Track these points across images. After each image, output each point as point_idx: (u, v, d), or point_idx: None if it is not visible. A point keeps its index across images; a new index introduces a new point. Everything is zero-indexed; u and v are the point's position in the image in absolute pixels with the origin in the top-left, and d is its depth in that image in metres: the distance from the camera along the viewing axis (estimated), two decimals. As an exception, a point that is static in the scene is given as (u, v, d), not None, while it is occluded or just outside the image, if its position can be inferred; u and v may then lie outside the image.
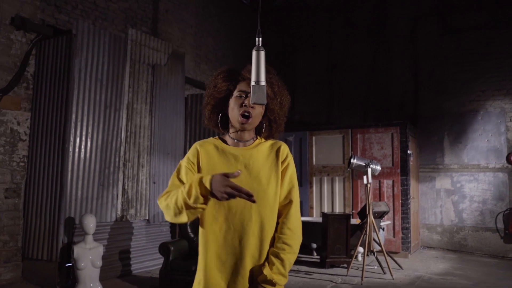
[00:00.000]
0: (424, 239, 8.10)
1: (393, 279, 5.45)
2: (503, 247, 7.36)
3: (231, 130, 1.77)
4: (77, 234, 4.87)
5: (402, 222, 7.02)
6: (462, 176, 7.84)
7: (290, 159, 1.76)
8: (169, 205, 1.58)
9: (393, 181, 7.16)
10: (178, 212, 1.55)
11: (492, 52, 7.73)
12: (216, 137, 1.82)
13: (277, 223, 1.70)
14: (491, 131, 7.67)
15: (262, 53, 1.66)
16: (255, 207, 1.63)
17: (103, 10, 6.32)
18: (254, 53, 1.65)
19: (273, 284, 1.60)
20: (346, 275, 5.62)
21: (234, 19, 9.37)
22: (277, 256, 1.63)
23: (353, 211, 7.31)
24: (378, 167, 5.71)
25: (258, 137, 1.80)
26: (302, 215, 7.79)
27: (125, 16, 6.68)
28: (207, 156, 1.71)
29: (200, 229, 1.69)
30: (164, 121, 6.27)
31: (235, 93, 1.73)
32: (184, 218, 1.55)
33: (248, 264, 1.62)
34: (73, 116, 5.00)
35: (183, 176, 1.69)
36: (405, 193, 7.05)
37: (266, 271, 1.60)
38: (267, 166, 1.71)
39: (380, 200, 7.14)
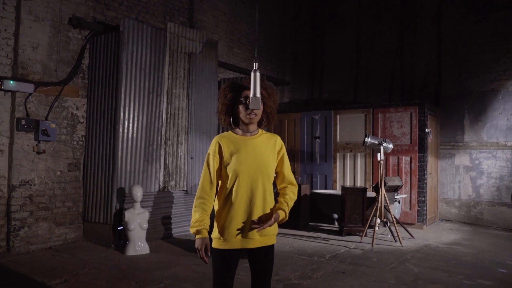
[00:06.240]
0: (442, 213, 8.60)
1: (402, 246, 6.10)
2: (517, 221, 7.77)
3: (241, 125, 2.48)
4: (127, 202, 5.80)
5: (418, 196, 7.57)
6: (481, 153, 8.22)
7: (283, 147, 2.54)
8: (192, 213, 2.40)
9: (410, 158, 7.67)
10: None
11: (515, 33, 7.95)
12: (229, 131, 2.53)
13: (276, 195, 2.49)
14: (511, 110, 7.96)
15: (258, 74, 2.35)
16: (260, 179, 2.37)
17: (145, 4, 7.08)
18: (252, 74, 2.35)
19: (282, 215, 2.40)
20: (360, 242, 6.31)
21: (266, 2, 9.91)
22: (285, 199, 2.44)
23: (372, 185, 7.92)
24: (390, 145, 6.28)
25: (260, 130, 2.52)
26: (326, 188, 8.50)
27: (164, 8, 7.42)
28: (226, 145, 2.41)
29: (220, 195, 2.43)
30: (199, 103, 7.04)
31: (241, 99, 2.42)
32: None
33: (255, 218, 2.33)
34: (122, 102, 5.87)
35: (211, 168, 2.41)
36: (421, 169, 7.57)
37: (280, 211, 2.39)
38: (267, 150, 2.45)
39: (398, 175, 7.70)
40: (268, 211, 2.39)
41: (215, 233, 2.40)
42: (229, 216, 2.35)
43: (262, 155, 2.41)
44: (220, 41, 8.35)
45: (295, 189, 2.53)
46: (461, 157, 8.45)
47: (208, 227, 2.36)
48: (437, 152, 8.53)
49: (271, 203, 2.43)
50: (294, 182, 2.55)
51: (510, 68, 7.99)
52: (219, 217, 2.41)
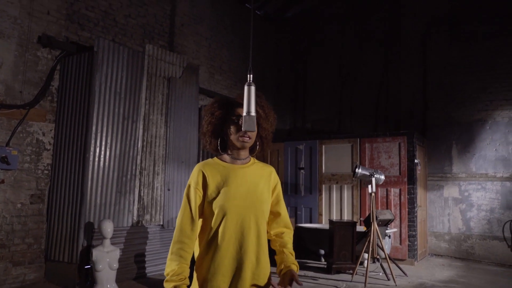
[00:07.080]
0: (432, 247, 8.24)
1: (396, 285, 5.65)
2: (510, 255, 7.44)
3: (230, 151, 2.01)
4: (95, 238, 5.21)
5: (408, 230, 7.20)
6: (470, 185, 7.97)
7: (278, 182, 2.10)
8: (168, 261, 1.86)
9: (400, 190, 7.34)
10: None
11: (500, 62, 7.86)
12: (215, 158, 2.06)
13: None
14: (499, 141, 7.78)
15: (253, 88, 1.92)
16: (253, 218, 1.89)
17: (123, 26, 6.70)
18: (246, 88, 1.91)
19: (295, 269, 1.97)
20: (351, 281, 5.84)
21: (247, 30, 9.68)
22: (288, 249, 2.02)
23: (361, 219, 7.51)
24: (382, 177, 5.93)
25: (252, 158, 2.06)
26: (311, 222, 8.05)
27: (143, 31, 7.05)
28: (211, 175, 1.93)
29: (201, 237, 1.93)
30: (178, 131, 6.59)
31: (233, 118, 1.96)
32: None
33: (248, 268, 1.85)
34: (94, 128, 5.37)
35: (192, 203, 1.91)
36: (411, 202, 7.23)
37: (292, 265, 1.95)
38: (261, 183, 1.98)
39: (387, 208, 7.33)
40: (262, 258, 1.91)
41: (195, 286, 1.91)
42: (213, 265, 1.85)
43: (256, 188, 1.95)
44: (201, 67, 8.00)
45: (292, 234, 2.11)
46: (450, 188, 8.17)
47: (188, 281, 1.84)
48: (425, 184, 8.24)
49: (265, 248, 1.95)
50: (290, 225, 2.11)
51: (497, 98, 7.87)
52: (200, 266, 1.90)
